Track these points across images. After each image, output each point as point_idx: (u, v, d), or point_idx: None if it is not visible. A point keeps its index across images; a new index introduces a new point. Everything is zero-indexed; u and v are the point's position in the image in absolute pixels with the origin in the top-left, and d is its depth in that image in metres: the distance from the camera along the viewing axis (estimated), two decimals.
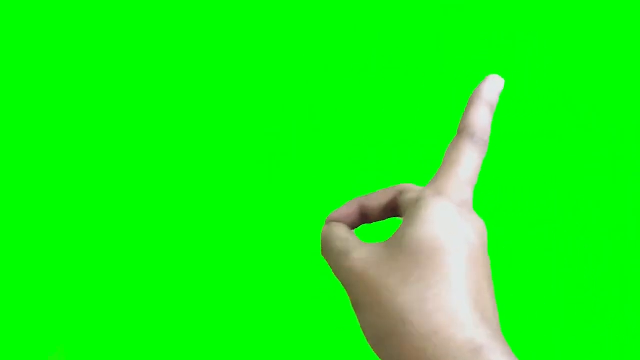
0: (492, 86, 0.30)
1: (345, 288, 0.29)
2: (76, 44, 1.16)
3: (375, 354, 0.97)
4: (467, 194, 0.29)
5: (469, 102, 0.30)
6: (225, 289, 1.04)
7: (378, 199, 0.33)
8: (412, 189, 0.31)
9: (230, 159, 1.13)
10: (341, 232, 0.31)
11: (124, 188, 1.10)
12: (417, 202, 0.29)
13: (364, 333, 0.28)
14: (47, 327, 0.99)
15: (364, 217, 0.33)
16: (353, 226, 0.34)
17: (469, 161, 0.29)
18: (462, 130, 0.30)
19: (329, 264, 0.30)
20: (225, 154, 1.13)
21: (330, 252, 0.30)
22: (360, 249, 0.29)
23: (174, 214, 1.09)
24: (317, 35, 1.18)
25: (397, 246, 0.27)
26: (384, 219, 0.33)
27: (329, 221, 0.33)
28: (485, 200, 1.09)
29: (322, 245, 0.31)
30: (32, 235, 1.06)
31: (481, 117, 0.30)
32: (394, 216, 0.33)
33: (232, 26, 1.19)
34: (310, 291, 1.04)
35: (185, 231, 1.08)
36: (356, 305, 0.28)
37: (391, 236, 0.28)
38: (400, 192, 0.32)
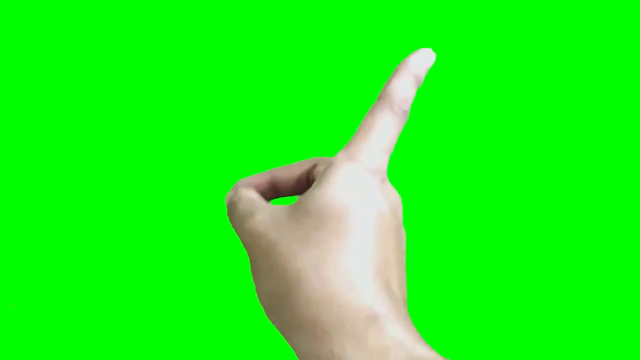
0: (421, 59, 0.29)
1: (247, 251, 0.27)
2: (76, 43, 1.17)
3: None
4: (382, 161, 0.27)
5: (395, 71, 0.29)
6: (225, 289, 1.04)
7: (292, 170, 0.31)
8: (327, 161, 0.30)
9: (229, 159, 1.13)
10: (247, 194, 0.29)
11: (123, 188, 1.10)
12: (323, 170, 0.28)
13: (260, 299, 0.27)
14: (46, 326, 0.99)
15: (275, 190, 0.31)
16: (267, 193, 0.32)
17: (385, 129, 0.28)
18: (381, 98, 0.28)
19: (234, 227, 0.29)
20: (225, 154, 1.13)
21: (234, 215, 0.29)
22: (264, 210, 0.27)
23: (174, 213, 1.09)
24: (316, 35, 1.18)
25: (302, 209, 0.26)
26: (296, 193, 0.32)
27: (237, 185, 0.31)
28: (483, 200, 1.09)
29: (227, 209, 0.29)
30: (29, 234, 1.06)
31: (404, 87, 0.28)
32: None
33: (230, 26, 1.19)
34: None
35: (185, 231, 1.08)
36: (254, 271, 0.27)
37: (297, 199, 0.27)
38: (315, 165, 0.30)
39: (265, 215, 0.27)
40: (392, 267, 0.26)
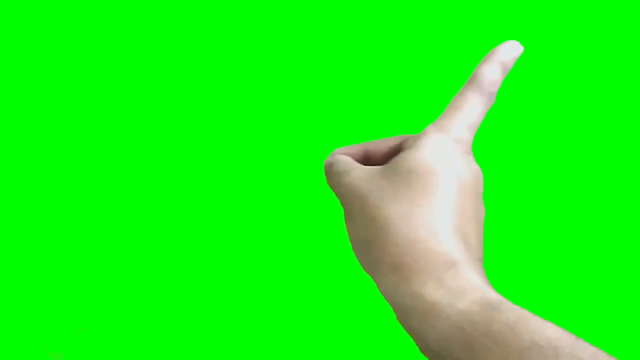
0: (509, 49, 0.31)
1: (341, 203, 0.31)
2: (75, 43, 1.16)
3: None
4: (467, 135, 0.30)
5: (484, 58, 0.31)
6: (225, 289, 1.04)
7: (383, 143, 0.34)
8: (416, 137, 0.32)
9: (228, 159, 1.13)
10: (344, 157, 0.33)
11: (122, 188, 1.10)
12: (413, 139, 0.31)
13: (350, 240, 0.30)
14: (46, 327, 0.99)
15: (367, 160, 0.34)
16: (360, 161, 0.35)
17: (472, 108, 0.30)
18: (470, 81, 0.31)
19: (331, 186, 0.32)
20: (224, 154, 1.13)
21: (332, 174, 0.32)
22: (360, 169, 0.31)
23: (174, 213, 1.09)
24: (316, 35, 1.18)
25: (394, 168, 0.29)
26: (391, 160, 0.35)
27: (333, 154, 0.34)
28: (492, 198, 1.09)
29: (325, 170, 0.33)
30: (28, 234, 1.06)
31: (492, 72, 0.31)
32: None
33: (229, 25, 1.19)
34: (306, 291, 1.04)
35: (185, 231, 1.08)
36: (347, 216, 0.30)
37: (391, 160, 0.30)
38: (405, 140, 0.33)
39: (360, 172, 0.30)
40: (471, 225, 0.28)
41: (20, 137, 1.12)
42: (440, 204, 0.28)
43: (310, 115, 1.16)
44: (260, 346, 0.99)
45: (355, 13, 1.19)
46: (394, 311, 0.27)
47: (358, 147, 0.34)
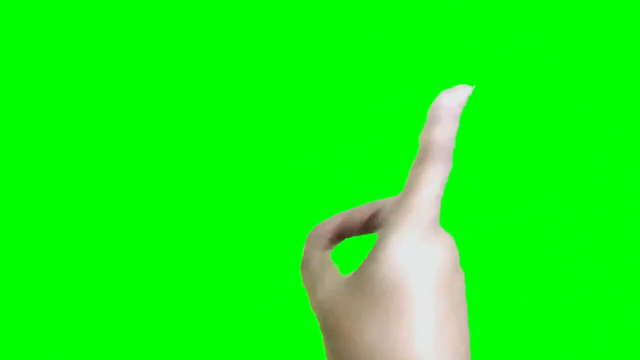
0: (454, 97, 0.29)
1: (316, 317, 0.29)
2: (75, 43, 1.17)
3: None
4: (434, 212, 0.28)
5: (430, 116, 0.29)
6: (224, 289, 1.04)
7: (360, 214, 0.32)
8: (387, 207, 0.31)
9: (228, 159, 1.13)
10: (313, 264, 0.31)
11: (122, 188, 1.10)
12: (380, 234, 0.28)
13: (327, 357, 0.29)
14: (46, 326, 0.99)
15: (347, 231, 0.33)
16: (337, 239, 0.33)
17: (433, 179, 0.28)
18: (423, 149, 0.29)
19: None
20: (223, 154, 1.13)
21: (303, 282, 0.31)
22: (327, 285, 0.29)
23: (173, 213, 1.09)
24: (315, 35, 1.18)
25: (361, 283, 0.27)
26: (366, 233, 0.33)
27: (309, 239, 0.33)
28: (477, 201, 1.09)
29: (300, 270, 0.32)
30: (28, 234, 1.06)
31: (443, 133, 0.28)
32: (375, 232, 0.33)
33: (228, 25, 1.19)
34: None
35: (184, 230, 1.08)
36: (324, 338, 0.28)
37: (357, 268, 0.28)
38: (380, 209, 0.31)
39: (327, 293, 0.28)
40: (452, 324, 0.27)
41: (20, 137, 1.12)
42: (416, 319, 0.26)
43: (314, 115, 1.16)
44: (261, 346, 0.99)
45: (359, 13, 1.19)
46: None
47: (335, 220, 0.33)
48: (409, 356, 0.25)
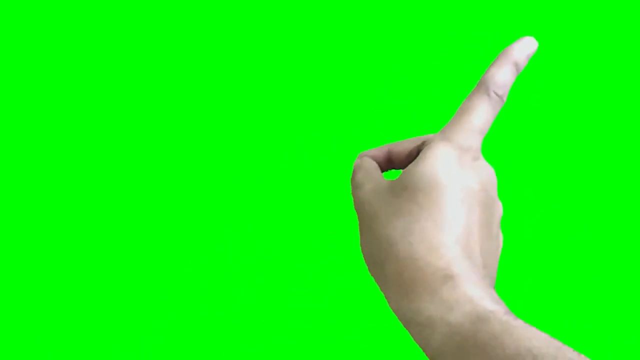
0: (523, 47, 0.31)
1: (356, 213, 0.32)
2: (76, 43, 1.17)
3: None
4: (475, 140, 0.30)
5: (496, 58, 0.31)
6: (225, 289, 1.04)
7: (404, 145, 0.35)
8: (431, 138, 0.33)
9: (228, 159, 1.13)
10: (366, 164, 0.34)
11: (122, 188, 1.10)
12: (425, 147, 0.31)
13: (364, 257, 0.31)
14: (46, 327, 0.99)
15: (391, 162, 0.35)
16: (385, 164, 0.36)
17: (480, 112, 0.30)
18: (480, 84, 0.31)
19: (352, 194, 0.34)
20: (223, 154, 1.14)
21: (352, 183, 0.34)
22: (373, 182, 0.32)
23: (173, 213, 1.09)
24: (315, 35, 1.18)
25: (400, 183, 0.30)
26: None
27: (361, 155, 0.36)
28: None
29: (352, 174, 0.34)
30: (28, 234, 1.06)
31: (502, 74, 0.30)
32: None
33: (227, 25, 1.19)
34: (304, 292, 1.04)
35: (184, 230, 1.08)
36: (360, 229, 0.31)
37: (400, 173, 0.31)
38: (424, 142, 0.34)
39: (372, 186, 0.31)
40: (475, 235, 0.29)
41: (20, 137, 1.12)
42: (442, 218, 0.28)
43: (329, 114, 1.16)
44: (264, 347, 0.99)
45: (369, 13, 1.19)
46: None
47: (382, 150, 0.35)
48: (425, 246, 0.28)
